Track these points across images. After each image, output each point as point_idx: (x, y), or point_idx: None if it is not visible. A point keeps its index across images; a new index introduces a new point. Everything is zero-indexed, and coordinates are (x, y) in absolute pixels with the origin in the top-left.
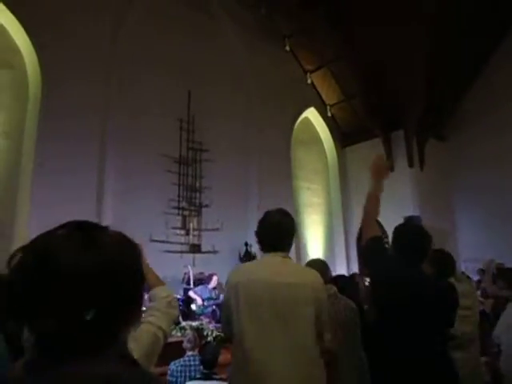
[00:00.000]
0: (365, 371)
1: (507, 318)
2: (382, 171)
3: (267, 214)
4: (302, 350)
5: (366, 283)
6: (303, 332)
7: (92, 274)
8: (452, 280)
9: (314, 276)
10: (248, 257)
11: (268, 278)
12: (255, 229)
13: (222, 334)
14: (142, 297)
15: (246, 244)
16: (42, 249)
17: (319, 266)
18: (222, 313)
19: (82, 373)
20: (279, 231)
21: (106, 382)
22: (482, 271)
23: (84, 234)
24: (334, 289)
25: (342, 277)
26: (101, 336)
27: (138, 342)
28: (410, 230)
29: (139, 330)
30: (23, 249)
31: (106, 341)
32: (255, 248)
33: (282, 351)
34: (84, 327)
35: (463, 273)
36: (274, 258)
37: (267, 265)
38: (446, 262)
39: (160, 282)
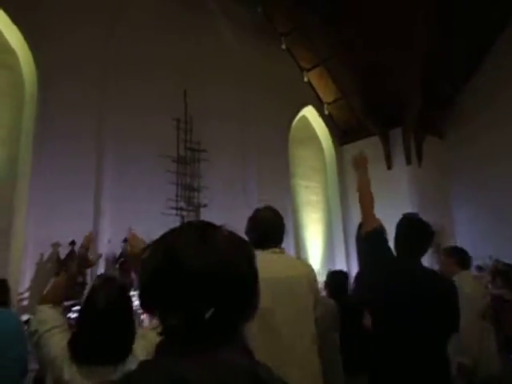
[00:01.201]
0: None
1: None
2: (359, 162)
3: (257, 212)
4: (308, 348)
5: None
6: (304, 322)
7: (210, 273)
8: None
9: (309, 268)
10: None
11: (268, 275)
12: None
13: None
14: (257, 295)
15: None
16: (169, 246)
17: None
18: None
19: (233, 361)
20: (272, 227)
21: (250, 373)
22: (479, 268)
23: (200, 232)
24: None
25: (337, 273)
26: (222, 331)
27: (147, 339)
28: (413, 223)
29: (143, 330)
30: (154, 243)
31: (228, 335)
32: None
33: (291, 354)
34: (205, 324)
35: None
36: (271, 255)
37: (266, 262)
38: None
39: None
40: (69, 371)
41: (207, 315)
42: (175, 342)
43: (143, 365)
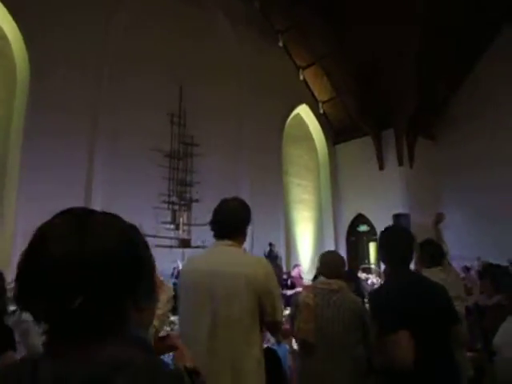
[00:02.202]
0: (361, 369)
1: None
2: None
3: (223, 202)
4: (233, 341)
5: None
6: (237, 325)
7: (76, 261)
8: (439, 269)
9: (256, 266)
10: None
11: (205, 266)
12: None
13: None
14: (146, 283)
15: (270, 244)
16: (35, 236)
17: (335, 259)
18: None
19: (85, 358)
20: (230, 219)
21: (112, 367)
22: (466, 269)
23: (75, 220)
24: (339, 284)
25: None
26: (98, 323)
27: None
28: (395, 234)
29: None
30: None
31: (108, 327)
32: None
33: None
34: (74, 314)
35: (449, 263)
36: (218, 247)
37: (209, 253)
38: (434, 253)
39: (158, 280)
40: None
41: (76, 303)
42: (54, 337)
43: (9, 365)
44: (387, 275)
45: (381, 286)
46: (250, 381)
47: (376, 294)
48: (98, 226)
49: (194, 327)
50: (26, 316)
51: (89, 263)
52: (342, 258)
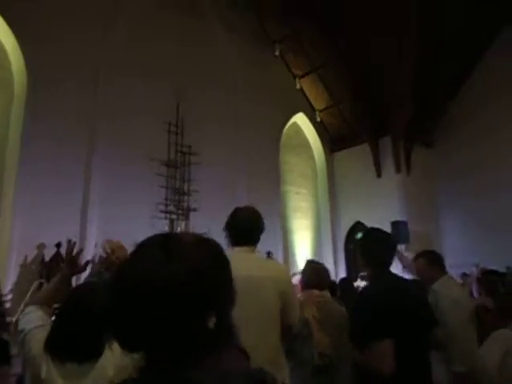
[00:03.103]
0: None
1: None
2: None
3: (237, 210)
4: (268, 349)
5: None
6: (268, 327)
7: (182, 283)
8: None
9: (279, 270)
10: None
11: (237, 272)
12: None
13: None
14: (232, 289)
15: (268, 253)
16: (136, 268)
17: (321, 269)
18: None
19: (235, 367)
20: (249, 227)
21: (255, 380)
22: (465, 275)
23: (165, 246)
24: (328, 295)
25: (343, 280)
26: (222, 338)
27: (113, 350)
28: (375, 240)
29: None
30: (119, 269)
31: (225, 340)
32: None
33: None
34: (209, 334)
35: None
36: (242, 253)
37: (233, 260)
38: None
39: None
40: (46, 369)
41: (211, 324)
42: (167, 358)
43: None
44: (370, 278)
45: (364, 289)
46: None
47: (360, 296)
48: (185, 248)
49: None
50: (25, 324)
51: (217, 283)
52: (326, 268)
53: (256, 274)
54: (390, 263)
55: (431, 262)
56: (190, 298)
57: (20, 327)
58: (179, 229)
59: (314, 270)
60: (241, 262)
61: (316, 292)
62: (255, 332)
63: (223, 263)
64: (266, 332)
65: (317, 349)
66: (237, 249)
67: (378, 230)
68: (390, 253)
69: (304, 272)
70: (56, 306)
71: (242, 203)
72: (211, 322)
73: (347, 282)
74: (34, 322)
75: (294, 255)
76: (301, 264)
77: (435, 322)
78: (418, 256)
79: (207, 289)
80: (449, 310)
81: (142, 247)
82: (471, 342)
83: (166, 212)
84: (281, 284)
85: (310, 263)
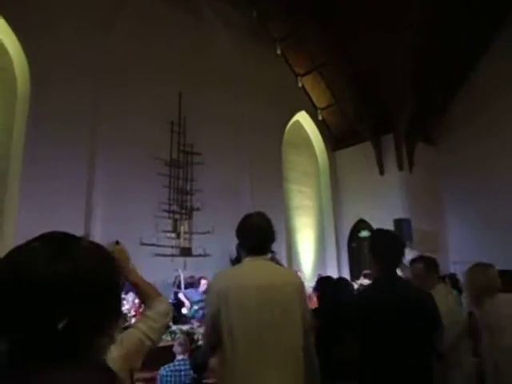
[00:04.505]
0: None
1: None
2: None
3: (249, 218)
4: (292, 352)
5: (356, 286)
6: (293, 333)
7: (63, 283)
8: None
9: (295, 276)
10: (239, 261)
11: (257, 282)
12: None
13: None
14: (117, 308)
15: (272, 252)
16: (14, 260)
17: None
18: (208, 320)
19: (56, 381)
20: (265, 236)
21: None
22: None
23: (56, 244)
24: None
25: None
26: (74, 345)
27: (123, 343)
28: (384, 238)
29: (126, 333)
30: (2, 259)
31: (80, 350)
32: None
33: (274, 358)
34: (56, 336)
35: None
36: (259, 262)
37: (254, 269)
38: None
39: (155, 291)
40: None
41: (60, 325)
42: (5, 363)
43: None
44: (375, 280)
45: (363, 292)
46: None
47: (359, 299)
48: (79, 251)
49: (259, 343)
50: None
51: (76, 285)
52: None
53: (276, 282)
54: (396, 265)
55: (429, 268)
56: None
57: None
58: (182, 228)
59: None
60: (260, 271)
61: None
62: (277, 339)
63: (110, 275)
64: (288, 339)
65: None
66: (255, 257)
67: (389, 232)
68: (398, 255)
69: None
70: None
71: (245, 202)
72: (61, 324)
73: (326, 281)
74: None
75: (297, 253)
76: (304, 262)
77: (436, 327)
78: (415, 261)
79: (83, 294)
80: (444, 319)
81: (35, 242)
82: (465, 352)
83: (169, 211)
84: (301, 290)
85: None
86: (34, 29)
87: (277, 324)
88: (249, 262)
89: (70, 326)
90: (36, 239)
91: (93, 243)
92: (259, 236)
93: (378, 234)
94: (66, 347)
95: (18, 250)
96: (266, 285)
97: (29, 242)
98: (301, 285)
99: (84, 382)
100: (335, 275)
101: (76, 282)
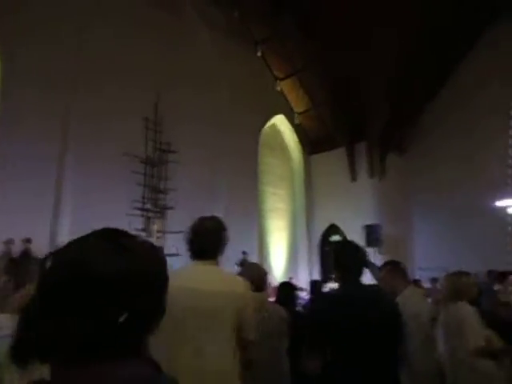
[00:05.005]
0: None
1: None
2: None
3: (200, 222)
4: (220, 359)
5: (327, 289)
6: (224, 339)
7: (125, 279)
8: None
9: (238, 284)
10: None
11: (192, 285)
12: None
13: None
14: (165, 305)
15: (244, 253)
16: (74, 254)
17: (256, 271)
18: None
19: (123, 373)
20: (211, 240)
21: (146, 382)
22: (434, 280)
23: (115, 241)
24: (264, 297)
25: (285, 284)
26: (131, 339)
27: None
28: (347, 249)
29: None
30: (56, 253)
31: (133, 346)
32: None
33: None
34: (116, 330)
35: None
36: (201, 266)
37: (193, 272)
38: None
39: None
40: (8, 371)
41: (121, 319)
42: (66, 356)
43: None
44: (337, 290)
45: (325, 297)
46: None
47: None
48: (136, 247)
49: (177, 345)
50: None
51: (136, 281)
52: (263, 270)
53: (214, 289)
54: (358, 272)
55: (393, 271)
56: (119, 293)
57: None
58: (155, 227)
59: (258, 271)
60: (200, 275)
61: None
62: (207, 340)
63: (164, 271)
64: (219, 340)
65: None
66: (197, 262)
67: (351, 242)
68: (357, 262)
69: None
70: None
71: (220, 202)
72: (121, 318)
73: (288, 286)
74: (4, 329)
75: (269, 255)
76: (275, 264)
77: (400, 336)
78: (383, 265)
79: (142, 290)
80: (410, 324)
81: (92, 238)
82: (430, 358)
83: (142, 210)
84: (237, 300)
85: (255, 268)
86: (7, 29)
87: (206, 330)
88: (191, 266)
89: (129, 321)
90: (92, 235)
91: (147, 241)
92: (201, 242)
93: (339, 247)
94: (122, 342)
95: (75, 246)
96: (200, 289)
97: (85, 238)
98: (242, 295)
99: (140, 378)
100: (306, 277)
101: (136, 277)
